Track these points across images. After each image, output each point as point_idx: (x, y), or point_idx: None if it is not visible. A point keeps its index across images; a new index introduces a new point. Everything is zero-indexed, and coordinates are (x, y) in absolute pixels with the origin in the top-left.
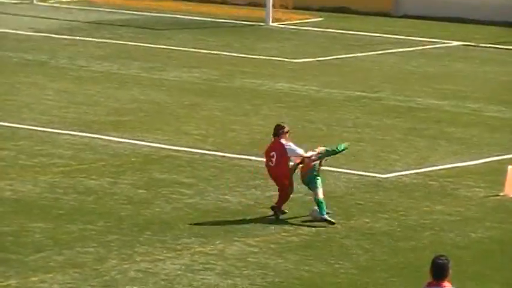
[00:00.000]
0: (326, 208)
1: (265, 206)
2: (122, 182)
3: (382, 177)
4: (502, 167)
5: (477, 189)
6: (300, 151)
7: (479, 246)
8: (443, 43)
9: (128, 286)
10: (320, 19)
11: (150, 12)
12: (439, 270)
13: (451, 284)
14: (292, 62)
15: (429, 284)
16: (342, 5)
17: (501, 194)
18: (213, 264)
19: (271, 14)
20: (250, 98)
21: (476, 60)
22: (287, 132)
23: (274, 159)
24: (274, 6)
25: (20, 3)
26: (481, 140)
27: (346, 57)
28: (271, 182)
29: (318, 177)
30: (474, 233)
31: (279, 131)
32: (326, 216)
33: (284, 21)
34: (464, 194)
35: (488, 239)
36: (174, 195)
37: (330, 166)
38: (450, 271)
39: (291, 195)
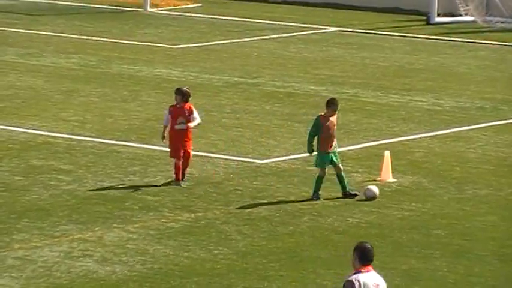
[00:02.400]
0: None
1: (144, 192)
2: None
3: (260, 163)
4: (379, 152)
5: (355, 174)
6: None
7: (357, 231)
8: (321, 29)
9: (5, 273)
10: (199, 5)
11: None
12: (370, 255)
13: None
14: (170, 48)
15: (359, 271)
16: None
17: (378, 179)
18: (92, 251)
19: (149, 0)
20: (128, 84)
21: (353, 46)
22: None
23: None
24: None
25: None
26: (359, 126)
27: (225, 43)
28: (150, 168)
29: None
30: (352, 217)
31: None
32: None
33: (162, 6)
34: None
35: (366, 223)
36: (52, 182)
37: (209, 152)
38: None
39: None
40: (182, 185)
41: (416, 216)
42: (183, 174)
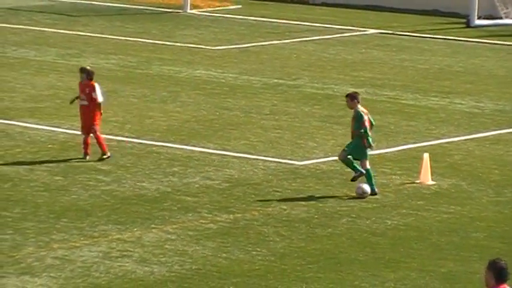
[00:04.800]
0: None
1: (182, 193)
2: (38, 169)
3: (299, 165)
4: (418, 155)
5: (393, 177)
6: None
7: (395, 233)
8: (361, 31)
9: (44, 273)
10: (238, 6)
11: None
12: (506, 274)
13: None
14: (210, 49)
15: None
16: None
17: (417, 181)
18: (131, 251)
19: (189, 1)
20: (167, 85)
21: (393, 48)
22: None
23: None
24: None
25: None
26: (398, 128)
27: (264, 45)
28: (189, 169)
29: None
30: (390, 220)
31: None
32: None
33: (202, 8)
34: (381, 181)
35: (405, 225)
36: (91, 182)
37: (247, 153)
38: None
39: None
40: (88, 158)
41: (455, 218)
42: (103, 150)
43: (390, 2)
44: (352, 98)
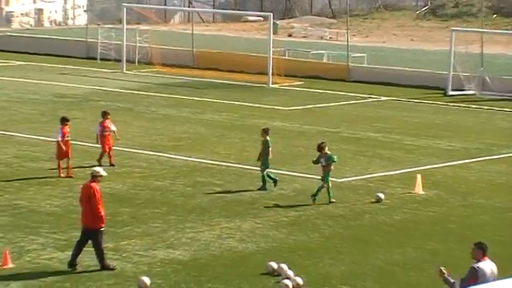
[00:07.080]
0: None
1: (266, 199)
2: (177, 183)
3: (339, 181)
4: (413, 175)
5: (398, 189)
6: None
7: (400, 224)
8: (378, 98)
9: (181, 247)
10: (302, 83)
11: (196, 77)
12: (486, 249)
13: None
14: (284, 109)
15: (481, 259)
16: (316, 74)
17: (413, 192)
18: (234, 234)
19: (271, 79)
20: (258, 132)
21: (398, 109)
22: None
23: None
24: (273, 74)
25: (115, 71)
26: (401, 159)
27: (318, 106)
28: (271, 184)
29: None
30: (396, 216)
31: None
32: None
33: (279, 83)
34: (390, 191)
35: (405, 219)
36: (210, 192)
37: (307, 173)
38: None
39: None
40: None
41: (437, 215)
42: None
43: (397, 79)
44: (265, 132)
